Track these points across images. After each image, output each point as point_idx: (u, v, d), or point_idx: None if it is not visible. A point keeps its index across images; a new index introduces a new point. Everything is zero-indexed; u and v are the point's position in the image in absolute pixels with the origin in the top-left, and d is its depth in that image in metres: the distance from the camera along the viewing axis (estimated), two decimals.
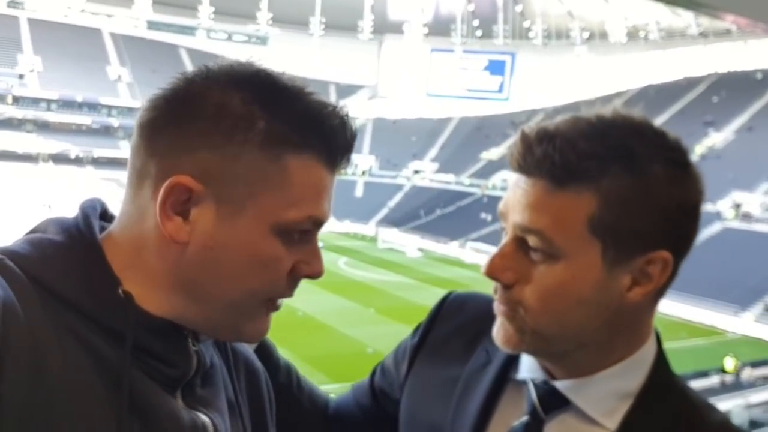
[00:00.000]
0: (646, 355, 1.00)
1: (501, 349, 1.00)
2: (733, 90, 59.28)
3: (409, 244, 48.84)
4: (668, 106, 62.01)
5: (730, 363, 23.69)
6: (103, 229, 0.90)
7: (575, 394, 0.99)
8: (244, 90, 0.84)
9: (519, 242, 0.94)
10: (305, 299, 28.23)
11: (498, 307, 0.99)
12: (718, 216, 44.92)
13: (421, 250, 48.44)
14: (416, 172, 69.08)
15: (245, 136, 0.82)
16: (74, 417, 0.76)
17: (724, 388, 20.46)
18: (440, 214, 58.29)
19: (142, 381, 0.83)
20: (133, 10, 73.77)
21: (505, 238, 0.97)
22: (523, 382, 1.04)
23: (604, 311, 0.94)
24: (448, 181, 65.00)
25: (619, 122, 0.95)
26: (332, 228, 56.81)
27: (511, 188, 0.96)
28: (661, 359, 1.02)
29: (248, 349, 1.10)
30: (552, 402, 1.00)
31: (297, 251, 0.87)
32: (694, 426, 0.97)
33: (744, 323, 32.97)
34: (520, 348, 0.99)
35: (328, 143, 0.86)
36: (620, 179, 0.90)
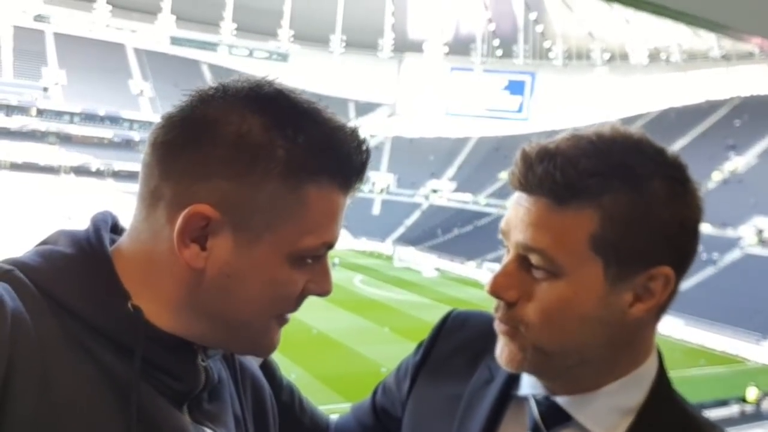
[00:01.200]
0: (647, 372, 1.01)
1: (504, 368, 1.00)
2: (755, 114, 58.64)
3: (425, 263, 48.59)
4: (689, 129, 61.51)
5: (752, 392, 23.16)
6: (113, 242, 0.89)
7: (577, 409, 0.99)
8: (263, 115, 0.82)
9: (521, 260, 0.95)
10: (320, 317, 28.08)
11: (499, 326, 0.99)
12: (739, 242, 44.25)
13: (437, 269, 48.18)
14: (434, 191, 69.00)
15: (266, 167, 0.81)
16: (83, 430, 0.76)
17: (744, 418, 20.03)
18: (457, 234, 58.04)
19: (150, 395, 0.83)
20: (157, 25, 74.81)
21: (507, 257, 0.97)
22: (525, 399, 1.04)
23: (606, 328, 0.94)
24: (466, 200, 64.78)
25: (619, 140, 0.95)
26: (348, 245, 56.79)
27: (513, 207, 0.97)
28: (662, 376, 1.02)
29: (255, 365, 1.11)
30: (554, 418, 1.00)
31: (308, 272, 0.88)
32: None
33: (766, 351, 32.27)
34: (522, 367, 0.99)
35: (345, 168, 0.87)
36: (621, 196, 0.91)
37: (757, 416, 21.29)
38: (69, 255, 0.84)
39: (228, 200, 0.81)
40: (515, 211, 0.96)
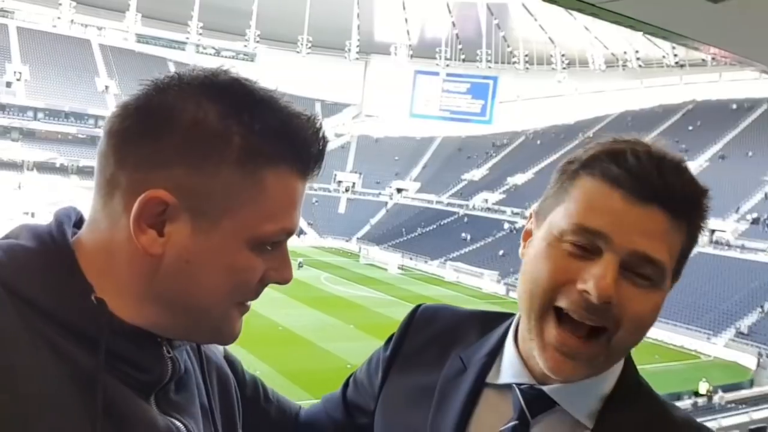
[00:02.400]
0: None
1: (552, 376, 0.99)
2: (707, 119, 61.06)
3: (390, 261, 49.56)
4: (645, 133, 63.02)
5: (703, 387, 24.56)
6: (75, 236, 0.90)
7: (562, 397, 1.02)
8: (219, 102, 0.82)
9: (622, 266, 0.93)
10: (286, 313, 28.73)
11: (566, 339, 0.95)
12: None
13: (402, 267, 49.19)
14: (399, 190, 70.03)
15: (221, 154, 0.82)
16: (47, 424, 0.75)
17: (697, 411, 20.95)
18: (421, 233, 59.15)
19: (116, 387, 0.82)
20: (124, 23, 74.34)
21: (599, 258, 0.93)
22: (505, 387, 1.07)
23: None
24: (430, 200, 65.97)
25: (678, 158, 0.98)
26: (314, 243, 57.43)
27: (621, 211, 0.93)
28: (628, 361, 1.07)
29: (219, 355, 1.13)
30: (538, 405, 1.03)
31: (268, 259, 0.88)
32: (665, 421, 1.03)
33: (717, 347, 33.98)
34: (575, 378, 0.99)
35: (302, 154, 0.87)
36: (700, 220, 0.97)
37: (709, 409, 22.47)
38: (31, 249, 0.84)
39: (185, 186, 0.81)
40: (626, 218, 0.93)
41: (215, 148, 0.82)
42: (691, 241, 0.97)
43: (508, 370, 1.08)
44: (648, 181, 0.93)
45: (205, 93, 0.83)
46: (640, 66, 71.26)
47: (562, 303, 0.95)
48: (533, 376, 1.05)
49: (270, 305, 27.98)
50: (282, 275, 0.90)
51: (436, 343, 1.20)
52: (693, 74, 67.54)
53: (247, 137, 0.83)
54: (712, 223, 46.74)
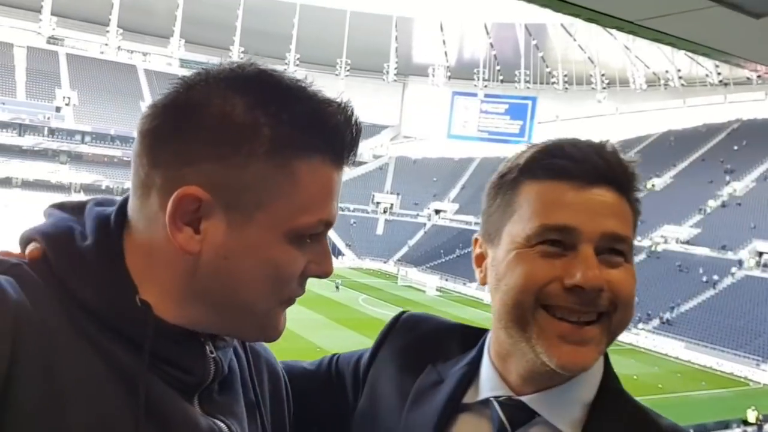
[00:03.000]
0: (597, 366, 1.05)
1: (567, 373, 0.98)
2: (753, 138, 59.61)
3: (428, 282, 49.34)
4: (688, 153, 62.40)
5: (752, 415, 23.67)
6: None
7: (542, 406, 1.01)
8: (246, 95, 0.82)
9: (597, 251, 0.96)
10: (324, 335, 28.80)
11: (565, 329, 0.95)
12: (739, 264, 44.91)
13: (440, 289, 48.93)
14: (437, 211, 69.89)
15: (251, 146, 0.81)
16: (89, 422, 0.76)
17: None
18: (460, 254, 58.80)
19: (158, 387, 0.83)
20: (168, 48, 76.47)
21: (574, 252, 0.95)
22: (483, 405, 1.06)
23: None
24: (468, 221, 65.61)
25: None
26: (352, 264, 57.60)
27: (577, 200, 0.96)
28: (609, 369, 1.07)
29: (269, 351, 1.13)
30: (519, 417, 1.02)
31: (308, 252, 0.86)
32: (652, 429, 1.02)
33: (766, 374, 32.80)
34: (590, 365, 0.98)
35: (335, 142, 0.85)
36: (637, 192, 1.02)
37: None
38: (84, 247, 0.84)
39: (216, 181, 0.80)
40: (585, 204, 0.96)
41: (244, 140, 0.81)
42: (636, 213, 1.01)
43: (486, 384, 1.07)
44: (591, 163, 0.97)
45: (231, 86, 0.82)
46: (682, 85, 70.10)
47: (551, 302, 0.95)
48: (510, 388, 1.04)
49: (308, 327, 28.18)
50: (323, 268, 0.89)
51: (414, 349, 1.19)
52: (738, 93, 66.20)
53: (275, 128, 0.81)
54: (760, 245, 45.60)
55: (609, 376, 1.06)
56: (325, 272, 0.89)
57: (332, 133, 0.85)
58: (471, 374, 1.10)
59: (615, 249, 0.96)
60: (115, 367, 0.80)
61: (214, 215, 0.82)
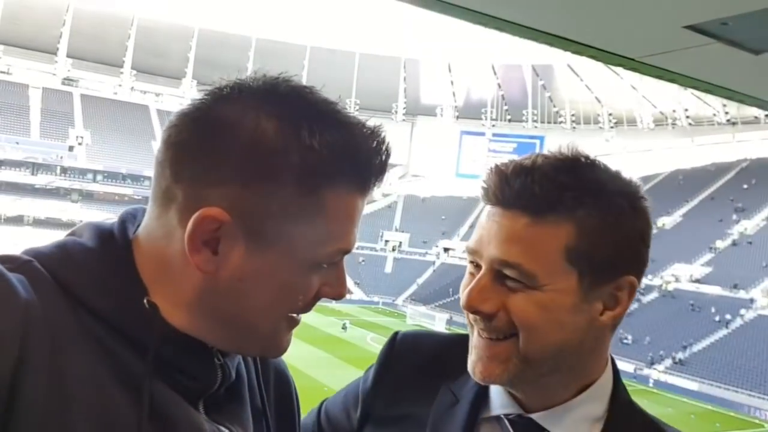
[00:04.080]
0: (606, 381, 1.07)
1: (480, 382, 1.04)
2: (763, 177, 59.51)
3: (437, 321, 48.98)
4: (697, 192, 62.30)
5: None
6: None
7: (552, 423, 1.02)
8: (277, 118, 0.80)
9: (494, 274, 0.98)
10: (331, 374, 28.51)
11: (479, 342, 1.01)
12: (751, 303, 44.42)
13: (449, 327, 48.52)
14: (446, 249, 69.72)
15: (279, 174, 0.79)
16: (93, 424, 0.75)
17: None
18: None
19: (164, 392, 0.82)
20: (180, 89, 77.67)
21: (479, 272, 1.00)
22: (496, 419, 1.08)
23: (579, 334, 0.99)
24: None
25: (583, 159, 1.01)
26: (361, 303, 57.29)
27: (485, 224, 1.01)
28: (618, 384, 1.08)
29: (280, 357, 1.11)
30: None
31: (323, 276, 0.86)
32: None
33: None
34: (499, 379, 1.01)
35: (363, 171, 0.84)
36: (594, 211, 0.96)
37: None
38: (90, 248, 0.84)
39: (240, 206, 0.79)
40: (488, 228, 0.99)
41: (273, 167, 0.79)
42: (582, 230, 0.96)
43: (496, 401, 1.09)
44: (503, 188, 0.98)
45: (264, 107, 0.80)
46: (690, 124, 70.34)
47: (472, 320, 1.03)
48: (520, 406, 1.05)
49: (315, 365, 28.03)
50: (337, 291, 0.88)
51: (422, 372, 1.18)
52: (746, 131, 66.29)
53: (305, 156, 0.79)
54: None
55: (618, 388, 1.08)
56: (338, 295, 0.88)
57: (362, 161, 0.83)
58: (484, 389, 1.11)
59: (509, 274, 0.97)
60: (120, 369, 0.79)
61: (233, 238, 0.80)
